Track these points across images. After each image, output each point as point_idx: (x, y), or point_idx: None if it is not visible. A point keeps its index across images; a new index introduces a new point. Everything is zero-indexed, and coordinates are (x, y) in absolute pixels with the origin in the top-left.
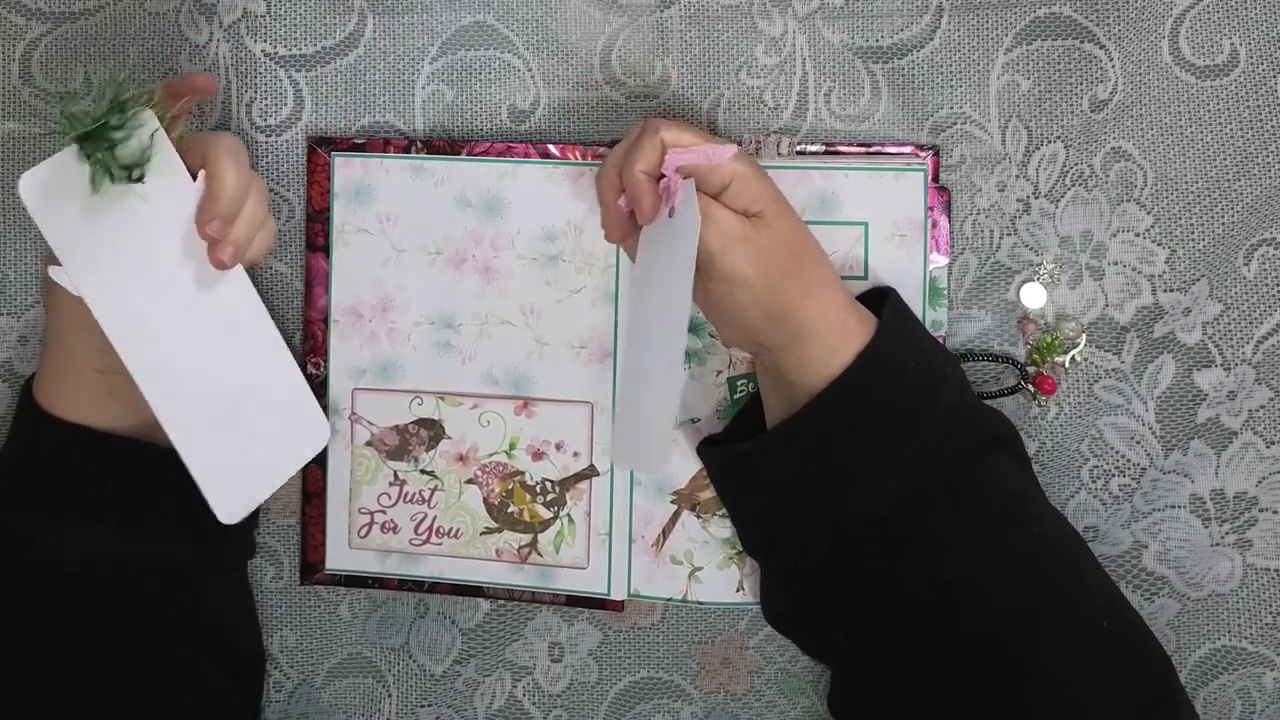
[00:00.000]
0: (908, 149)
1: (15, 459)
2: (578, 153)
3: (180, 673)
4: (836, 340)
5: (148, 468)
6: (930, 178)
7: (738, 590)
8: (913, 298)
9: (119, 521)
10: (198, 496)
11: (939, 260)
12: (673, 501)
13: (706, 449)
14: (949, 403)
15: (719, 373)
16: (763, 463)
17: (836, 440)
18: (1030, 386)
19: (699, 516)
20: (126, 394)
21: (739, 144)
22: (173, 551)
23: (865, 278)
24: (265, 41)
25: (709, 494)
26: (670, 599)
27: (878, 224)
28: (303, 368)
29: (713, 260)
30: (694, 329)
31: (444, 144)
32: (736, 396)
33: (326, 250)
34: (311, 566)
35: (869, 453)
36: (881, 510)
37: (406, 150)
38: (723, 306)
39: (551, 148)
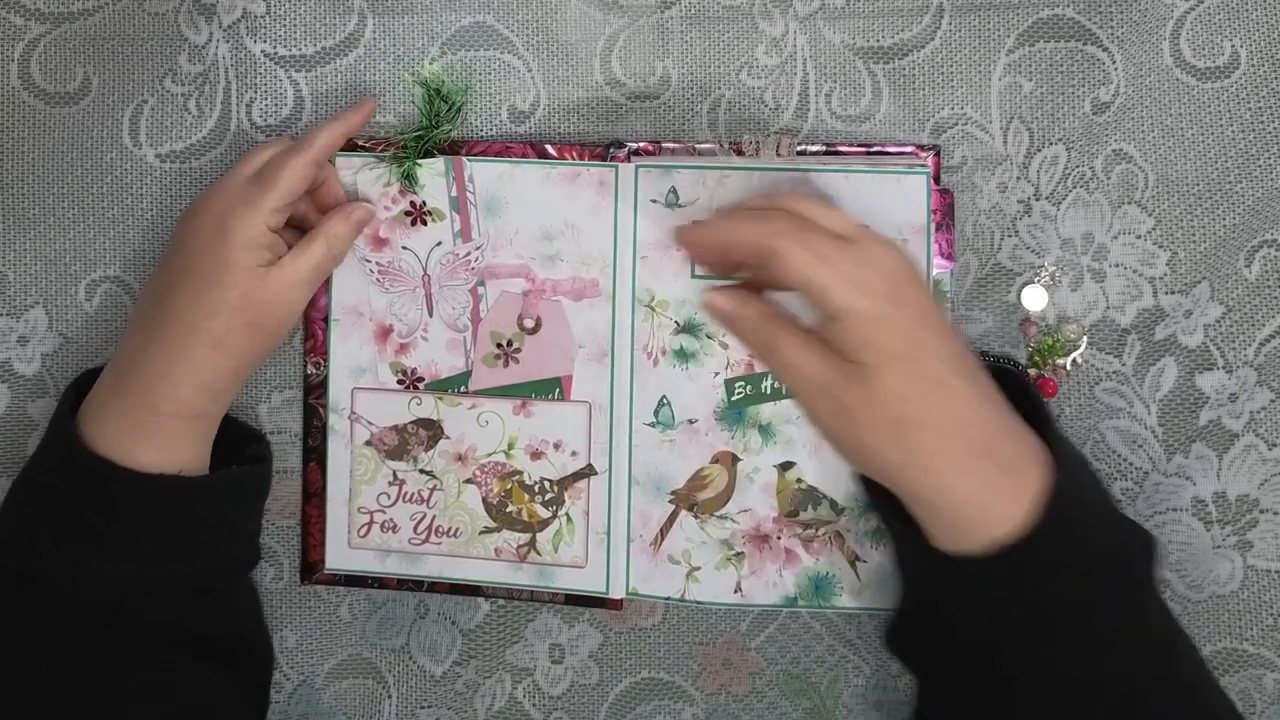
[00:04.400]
0: (909, 149)
1: (59, 491)
2: (575, 153)
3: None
4: (970, 514)
5: (177, 499)
6: (932, 179)
7: (735, 591)
8: None
9: (151, 548)
10: (223, 516)
11: (943, 264)
12: (670, 501)
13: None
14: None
15: (716, 374)
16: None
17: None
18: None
19: (697, 517)
20: (200, 436)
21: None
22: (196, 570)
23: None
24: (265, 42)
25: (707, 494)
26: (669, 598)
27: (879, 228)
28: (301, 367)
29: (798, 403)
30: (690, 329)
31: (445, 144)
32: (734, 399)
33: None
34: (311, 566)
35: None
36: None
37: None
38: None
39: (549, 148)
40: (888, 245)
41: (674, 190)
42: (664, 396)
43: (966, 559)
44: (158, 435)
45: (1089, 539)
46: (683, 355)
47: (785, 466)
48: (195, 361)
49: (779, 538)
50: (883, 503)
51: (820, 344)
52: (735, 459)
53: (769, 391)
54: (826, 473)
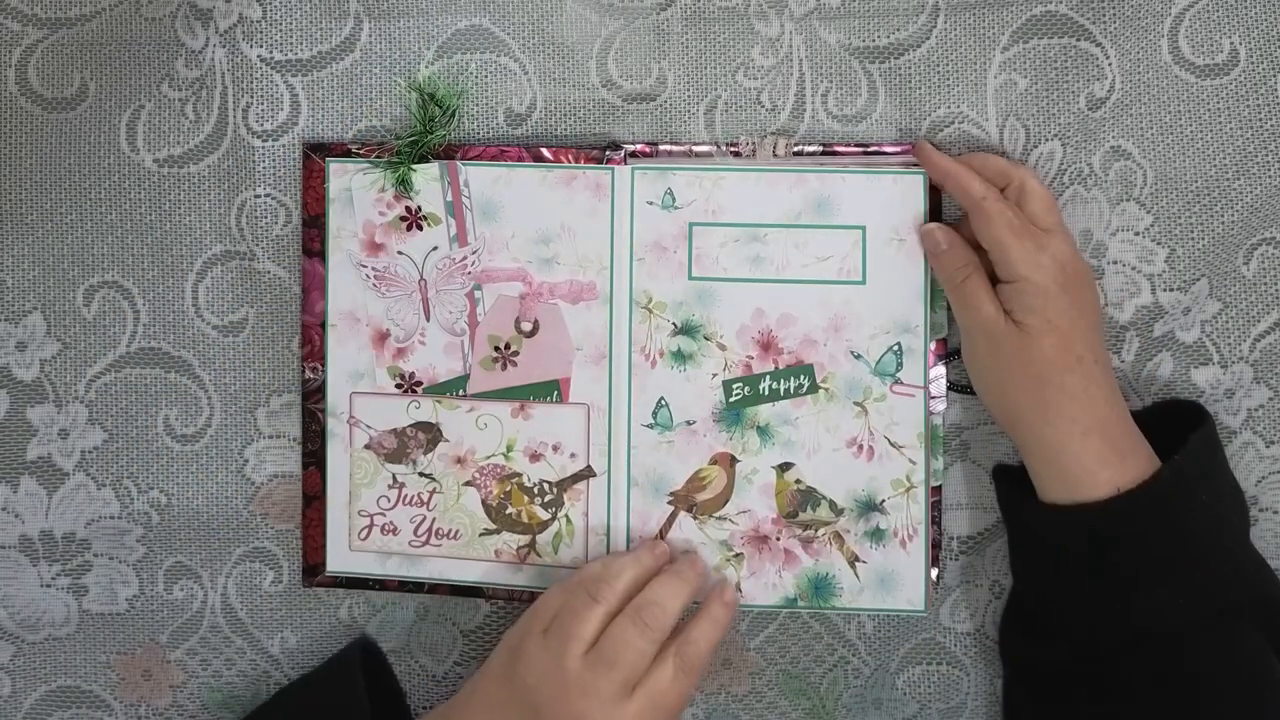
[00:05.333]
0: (906, 149)
1: None
2: (571, 155)
3: None
4: (1094, 485)
5: None
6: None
7: (735, 592)
8: (913, 303)
9: None
10: None
11: None
12: (670, 502)
13: (1005, 475)
14: (1225, 545)
15: (714, 375)
16: (1041, 531)
17: (1125, 543)
18: None
19: (696, 518)
20: None
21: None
22: None
23: (864, 282)
24: (261, 46)
25: (705, 495)
26: None
27: (876, 228)
28: (300, 372)
29: (963, 336)
30: (688, 331)
31: (439, 149)
32: (732, 400)
33: (323, 255)
34: (312, 569)
35: (1148, 567)
36: (1135, 633)
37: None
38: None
39: (545, 151)
40: (1071, 245)
41: (670, 192)
42: (662, 398)
43: (1070, 506)
44: None
45: (1189, 524)
46: (680, 357)
47: (784, 467)
48: None
49: (778, 539)
50: (999, 475)
51: (997, 297)
52: (734, 460)
53: (766, 393)
54: (825, 473)
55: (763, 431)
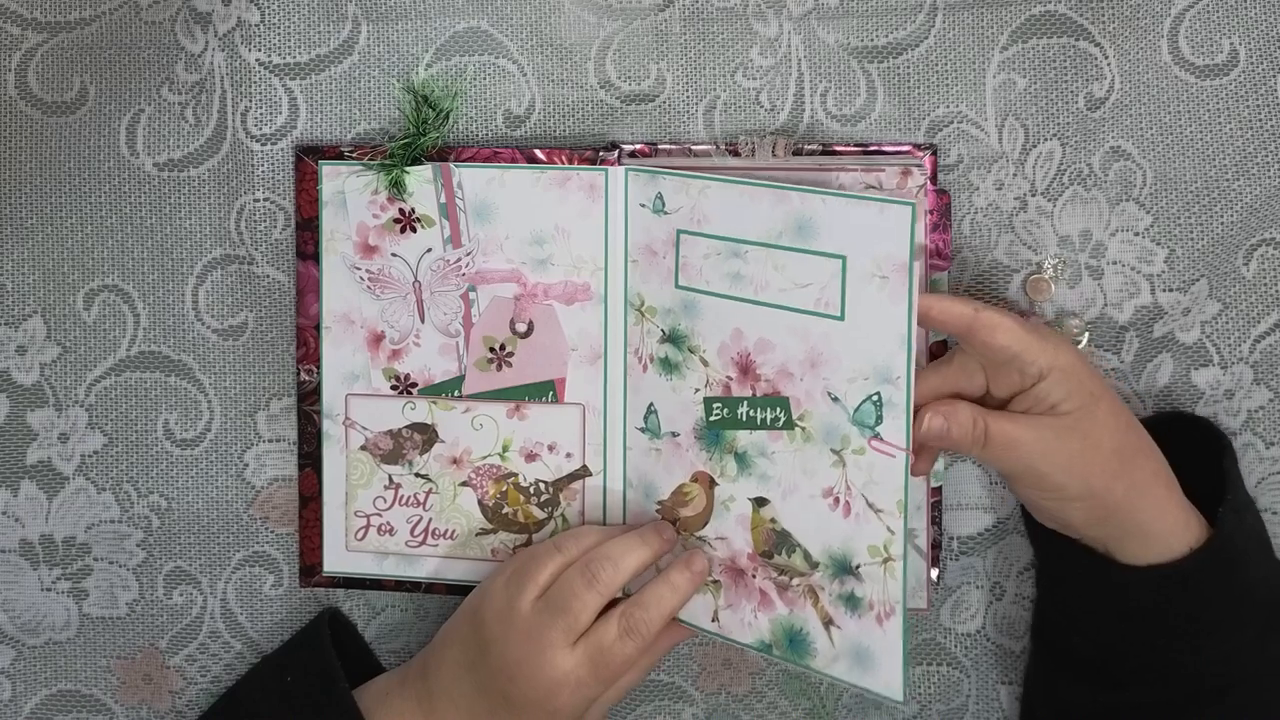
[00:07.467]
0: (905, 149)
1: None
2: (564, 157)
3: None
4: (1171, 540)
5: None
6: (929, 178)
7: (713, 620)
8: (895, 350)
9: None
10: None
11: (940, 265)
12: (658, 511)
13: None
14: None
15: (696, 390)
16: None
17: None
18: None
19: (680, 533)
20: None
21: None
22: None
23: (842, 318)
24: (260, 50)
25: (688, 511)
26: None
27: (857, 260)
28: (295, 374)
29: (1020, 477)
30: (674, 340)
31: (433, 151)
32: (711, 419)
33: (316, 258)
34: (309, 569)
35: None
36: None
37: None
38: (1039, 506)
39: (538, 153)
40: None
41: (660, 196)
42: (652, 404)
43: (1162, 566)
44: None
45: (1248, 566)
46: (668, 365)
47: (760, 502)
48: None
49: (754, 575)
50: (1048, 548)
51: (1022, 415)
52: (713, 482)
53: (744, 419)
54: (800, 519)
55: (740, 459)
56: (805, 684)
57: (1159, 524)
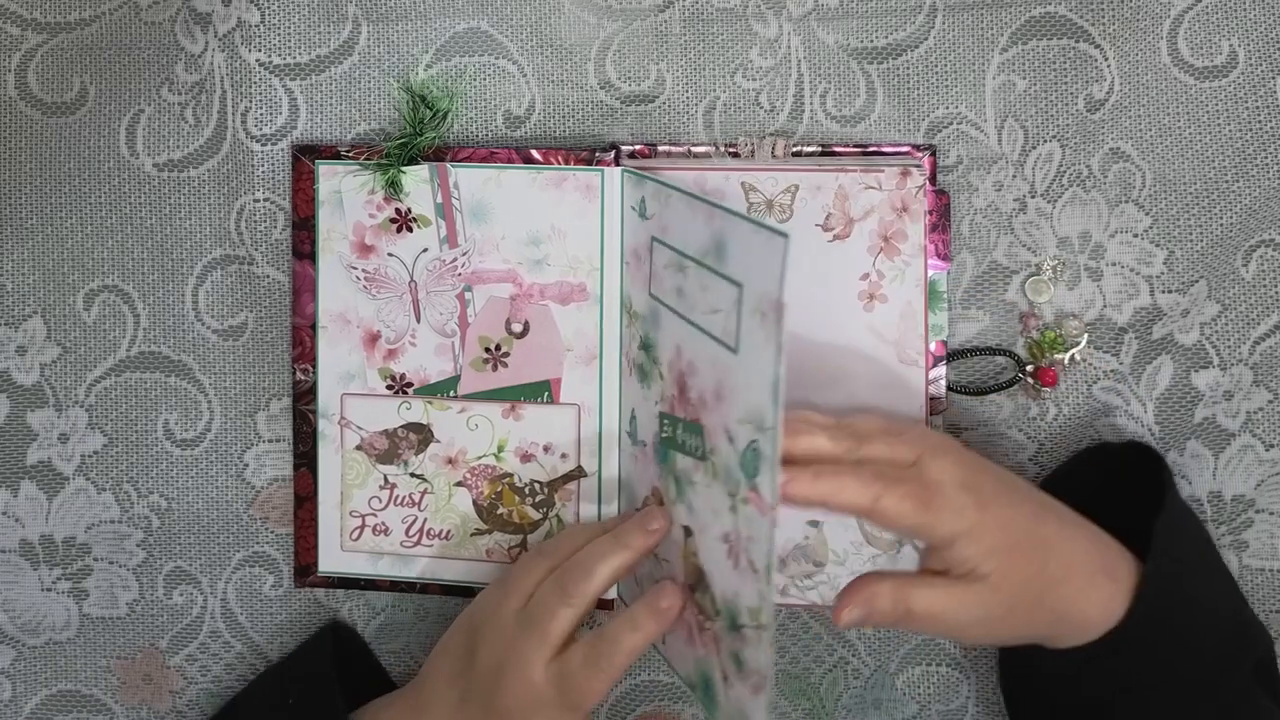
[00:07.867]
0: (904, 149)
1: None
2: (560, 158)
3: None
4: (1095, 614)
5: None
6: (928, 179)
7: (662, 643)
8: (765, 399)
9: None
10: None
11: (939, 266)
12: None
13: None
14: (1229, 606)
15: (656, 403)
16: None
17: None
18: (1030, 379)
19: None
20: None
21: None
22: None
23: (736, 351)
24: (260, 50)
25: None
26: None
27: (750, 290)
28: (291, 374)
29: (945, 635)
30: (645, 348)
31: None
32: (663, 436)
33: (313, 258)
34: (304, 569)
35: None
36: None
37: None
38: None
39: (535, 153)
40: (941, 446)
41: (643, 201)
42: (633, 409)
43: (1084, 647)
44: None
45: (1184, 626)
46: (642, 373)
47: (687, 531)
48: None
49: (686, 608)
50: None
51: (940, 579)
52: (661, 501)
53: (680, 442)
54: (710, 560)
55: (678, 483)
56: (805, 684)
57: (1085, 613)
